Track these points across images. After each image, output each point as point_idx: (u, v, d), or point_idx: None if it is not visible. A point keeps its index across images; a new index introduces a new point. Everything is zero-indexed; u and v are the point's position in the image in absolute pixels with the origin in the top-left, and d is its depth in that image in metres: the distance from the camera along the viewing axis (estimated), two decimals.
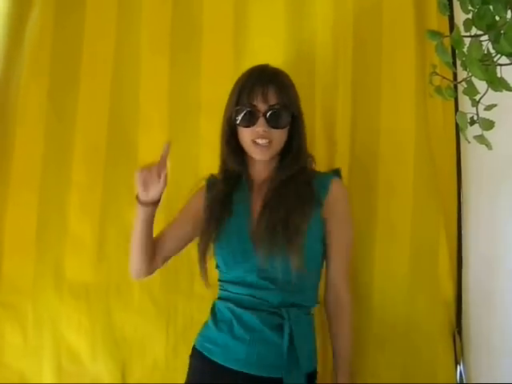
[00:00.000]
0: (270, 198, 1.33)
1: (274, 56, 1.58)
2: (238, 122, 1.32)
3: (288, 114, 1.32)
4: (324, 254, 1.37)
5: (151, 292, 1.66)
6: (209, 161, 1.58)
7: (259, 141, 1.31)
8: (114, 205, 1.67)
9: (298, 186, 1.33)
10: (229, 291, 1.35)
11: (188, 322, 1.64)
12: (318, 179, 1.37)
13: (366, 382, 1.49)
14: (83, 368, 1.64)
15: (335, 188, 1.36)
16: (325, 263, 1.38)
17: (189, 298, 1.64)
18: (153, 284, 1.63)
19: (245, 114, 1.31)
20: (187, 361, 1.39)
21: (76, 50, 1.70)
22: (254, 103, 1.30)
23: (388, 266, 1.51)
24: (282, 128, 1.32)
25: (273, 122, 1.30)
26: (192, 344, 1.39)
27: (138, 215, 1.35)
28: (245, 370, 1.26)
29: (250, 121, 1.31)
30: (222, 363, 1.29)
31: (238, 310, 1.30)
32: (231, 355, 1.28)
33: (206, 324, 1.39)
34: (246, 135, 1.33)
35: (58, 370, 1.64)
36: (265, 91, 1.29)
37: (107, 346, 1.65)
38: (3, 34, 1.68)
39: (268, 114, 1.29)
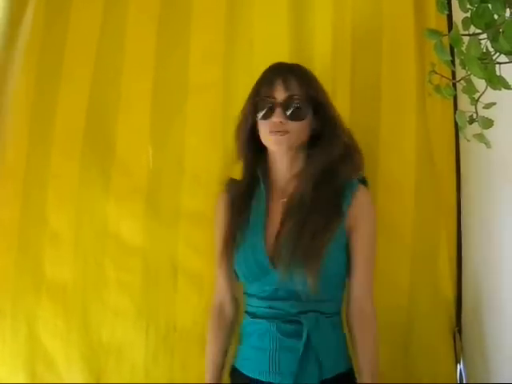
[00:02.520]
0: (293, 212, 1.28)
1: (267, 41, 1.58)
2: (256, 114, 1.30)
3: (307, 106, 1.29)
4: (349, 263, 1.34)
5: (130, 291, 1.57)
6: (194, 148, 1.58)
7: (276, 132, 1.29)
8: (90, 198, 1.61)
9: (324, 200, 1.28)
10: (249, 305, 1.34)
11: (170, 325, 1.54)
12: (346, 188, 1.31)
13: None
14: (58, 376, 1.57)
15: (360, 196, 1.31)
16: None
17: (172, 298, 1.56)
18: (132, 282, 1.56)
19: (263, 106, 1.29)
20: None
21: (60, 36, 1.65)
22: (274, 94, 1.28)
23: (388, 267, 1.51)
24: (299, 120, 1.28)
25: (290, 113, 1.27)
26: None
27: None
28: (271, 380, 1.24)
29: (268, 112, 1.28)
30: (252, 376, 1.27)
31: (257, 321, 1.28)
32: (256, 367, 1.26)
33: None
34: (263, 128, 1.31)
35: (33, 376, 1.56)
36: (284, 80, 1.27)
37: (82, 352, 1.56)
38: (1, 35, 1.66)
39: (285, 105, 1.27)
